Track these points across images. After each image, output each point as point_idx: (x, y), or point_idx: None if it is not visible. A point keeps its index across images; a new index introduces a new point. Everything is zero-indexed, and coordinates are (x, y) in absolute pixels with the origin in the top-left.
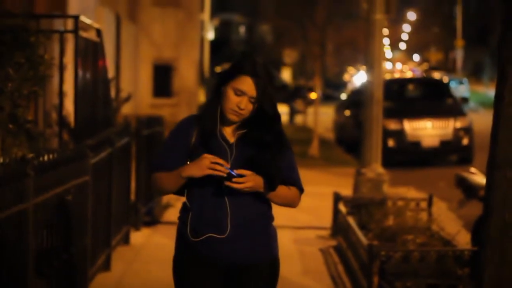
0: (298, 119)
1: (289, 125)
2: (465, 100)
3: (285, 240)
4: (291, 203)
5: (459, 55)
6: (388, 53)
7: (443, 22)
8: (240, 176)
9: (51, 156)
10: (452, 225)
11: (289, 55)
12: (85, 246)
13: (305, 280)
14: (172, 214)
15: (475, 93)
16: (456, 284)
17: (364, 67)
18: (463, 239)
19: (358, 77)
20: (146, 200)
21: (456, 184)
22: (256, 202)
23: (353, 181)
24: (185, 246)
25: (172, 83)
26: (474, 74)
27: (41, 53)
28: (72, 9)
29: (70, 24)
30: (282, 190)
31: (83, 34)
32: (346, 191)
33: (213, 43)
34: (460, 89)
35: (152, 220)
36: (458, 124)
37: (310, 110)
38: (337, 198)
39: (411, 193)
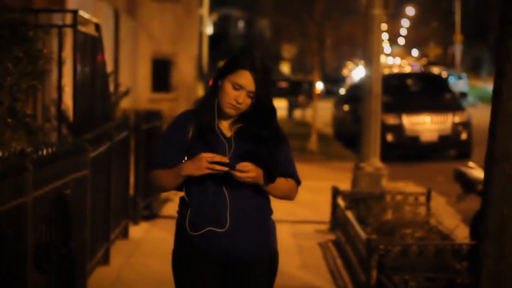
0: (297, 113)
1: (287, 119)
2: (463, 95)
3: (283, 234)
4: (289, 196)
5: (458, 50)
6: (387, 48)
7: (442, 17)
8: (242, 170)
9: (50, 150)
10: (451, 219)
11: (288, 50)
12: (84, 240)
13: (304, 274)
14: (171, 208)
15: (474, 88)
16: (454, 278)
17: (362, 62)
18: (462, 233)
19: (356, 72)
20: (145, 194)
21: (455, 179)
22: (255, 196)
23: (351, 176)
24: (184, 240)
25: (171, 78)
26: (473, 69)
27: (40, 47)
28: (71, 4)
29: (68, 18)
30: (281, 183)
31: (82, 28)
32: (345, 185)
33: (212, 38)
34: (459, 84)
35: (151, 214)
36: (457, 118)
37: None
38: (335, 192)
39: (410, 187)
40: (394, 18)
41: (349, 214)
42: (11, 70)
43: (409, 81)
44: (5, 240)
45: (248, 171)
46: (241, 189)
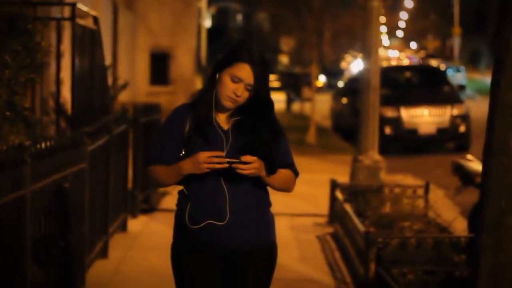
0: (295, 106)
1: (286, 112)
2: (462, 87)
3: (282, 227)
4: (288, 187)
5: (456, 42)
6: (385, 41)
7: (440, 10)
8: (245, 163)
9: (48, 143)
10: (449, 212)
11: (286, 43)
12: (83, 234)
13: (302, 267)
14: (170, 201)
15: (472, 81)
16: (452, 271)
17: (361, 54)
18: (460, 226)
19: (355, 65)
20: (143, 188)
21: (453, 171)
22: (255, 189)
23: (350, 169)
24: (184, 234)
25: (169, 71)
26: (471, 61)
27: (38, 40)
28: None
29: (67, 11)
30: (280, 174)
31: (80, 21)
32: (343, 178)
33: (210, 31)
34: (457, 76)
35: (149, 208)
36: (455, 111)
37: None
38: (334, 185)
39: (408, 180)
40: (392, 11)
41: (347, 207)
42: (9, 63)
43: (408, 74)
44: (4, 233)
45: (253, 161)
46: (240, 182)
